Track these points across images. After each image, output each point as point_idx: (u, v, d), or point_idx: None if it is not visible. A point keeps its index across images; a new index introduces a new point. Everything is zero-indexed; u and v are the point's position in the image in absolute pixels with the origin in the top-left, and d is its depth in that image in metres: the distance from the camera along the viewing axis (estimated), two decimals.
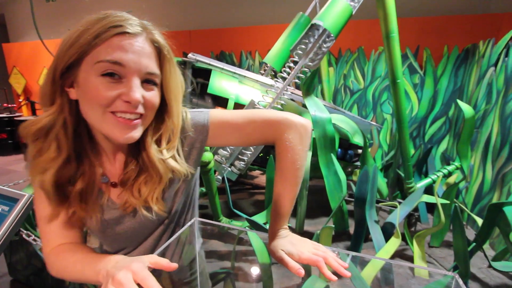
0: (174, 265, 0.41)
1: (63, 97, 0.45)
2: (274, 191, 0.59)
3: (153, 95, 0.46)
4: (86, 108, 0.45)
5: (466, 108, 1.95)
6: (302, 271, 0.49)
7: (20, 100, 5.22)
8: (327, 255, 0.51)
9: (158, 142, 0.51)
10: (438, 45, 3.17)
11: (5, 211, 1.16)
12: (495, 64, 2.34)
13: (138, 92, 0.43)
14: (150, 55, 0.44)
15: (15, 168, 4.15)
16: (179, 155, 0.53)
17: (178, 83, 0.50)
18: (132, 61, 0.42)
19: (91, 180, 0.51)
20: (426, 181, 2.17)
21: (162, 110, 0.50)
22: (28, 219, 1.90)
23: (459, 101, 2.01)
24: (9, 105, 5.11)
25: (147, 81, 0.45)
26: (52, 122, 0.45)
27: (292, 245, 0.55)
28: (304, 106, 2.05)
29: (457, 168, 2.22)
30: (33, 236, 1.37)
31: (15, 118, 4.65)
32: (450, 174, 2.22)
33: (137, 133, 0.46)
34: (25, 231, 1.39)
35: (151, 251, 0.60)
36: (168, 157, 0.50)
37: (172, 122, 0.50)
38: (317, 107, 1.97)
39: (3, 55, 5.18)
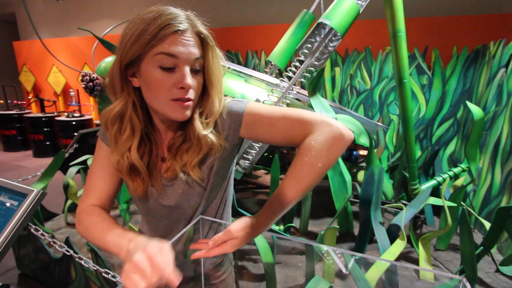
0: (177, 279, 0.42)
1: (128, 85, 0.55)
2: (279, 185, 0.53)
3: (198, 83, 0.56)
4: (149, 95, 0.54)
5: (475, 110, 1.92)
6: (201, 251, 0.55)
7: (29, 97, 5.31)
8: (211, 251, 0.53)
9: (200, 116, 0.59)
10: (447, 45, 3.11)
11: (14, 206, 1.18)
12: (506, 65, 2.29)
13: (189, 78, 0.52)
14: (196, 45, 0.53)
15: (23, 164, 4.23)
16: (216, 131, 0.60)
17: (219, 67, 0.58)
18: (184, 53, 0.51)
19: (154, 154, 0.61)
20: (431, 183, 2.14)
21: (205, 90, 0.58)
22: (37, 214, 1.94)
23: (468, 103, 1.97)
24: (19, 102, 5.21)
25: (194, 69, 0.54)
26: (124, 106, 0.55)
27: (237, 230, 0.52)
28: (310, 106, 2.04)
29: (463, 170, 2.18)
30: (41, 231, 1.39)
31: (25, 115, 4.73)
32: (456, 176, 2.18)
33: (189, 112, 0.56)
34: (33, 226, 1.41)
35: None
36: (208, 131, 0.58)
37: (213, 100, 0.58)
38: (323, 107, 1.96)
39: (14, 53, 5.27)
